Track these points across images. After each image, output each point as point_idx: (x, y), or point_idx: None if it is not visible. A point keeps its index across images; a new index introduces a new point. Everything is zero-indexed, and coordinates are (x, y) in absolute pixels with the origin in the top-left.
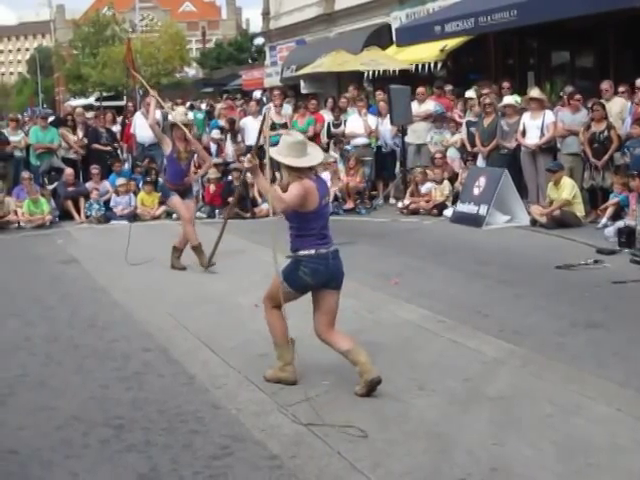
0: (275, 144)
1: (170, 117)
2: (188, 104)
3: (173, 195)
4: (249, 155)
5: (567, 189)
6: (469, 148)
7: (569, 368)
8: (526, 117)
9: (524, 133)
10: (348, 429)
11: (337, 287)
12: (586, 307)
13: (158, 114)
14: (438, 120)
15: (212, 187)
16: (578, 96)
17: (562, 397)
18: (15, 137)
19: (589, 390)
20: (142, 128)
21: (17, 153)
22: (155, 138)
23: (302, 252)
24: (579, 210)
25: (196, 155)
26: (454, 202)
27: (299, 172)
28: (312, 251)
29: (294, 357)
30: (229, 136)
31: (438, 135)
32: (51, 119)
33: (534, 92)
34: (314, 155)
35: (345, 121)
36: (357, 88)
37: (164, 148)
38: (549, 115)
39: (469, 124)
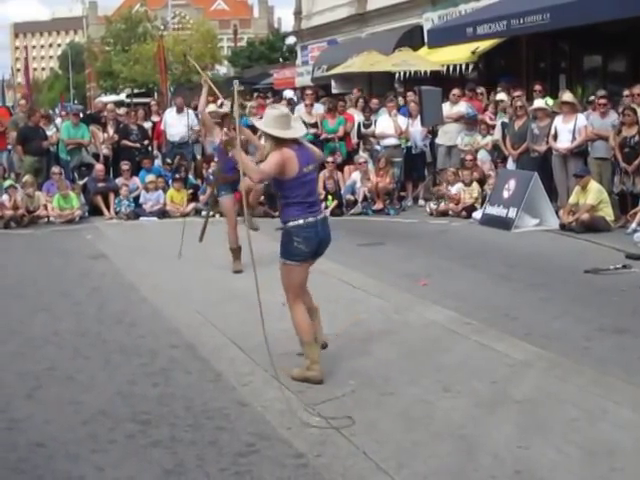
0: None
1: (225, 107)
2: (219, 102)
3: (225, 195)
4: (225, 129)
5: (593, 194)
6: (505, 149)
7: (595, 372)
8: (558, 121)
9: (556, 137)
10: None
11: (321, 254)
12: (613, 312)
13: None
14: (469, 122)
15: None
16: (603, 100)
17: (588, 401)
18: (47, 132)
19: (615, 395)
20: (172, 125)
21: (50, 149)
22: (183, 135)
23: (291, 223)
24: (608, 215)
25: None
26: (483, 204)
27: (283, 143)
28: (300, 221)
29: (319, 354)
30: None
31: (469, 137)
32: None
33: (566, 96)
34: (297, 128)
35: (375, 121)
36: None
37: (214, 139)
38: (581, 119)
39: (504, 125)
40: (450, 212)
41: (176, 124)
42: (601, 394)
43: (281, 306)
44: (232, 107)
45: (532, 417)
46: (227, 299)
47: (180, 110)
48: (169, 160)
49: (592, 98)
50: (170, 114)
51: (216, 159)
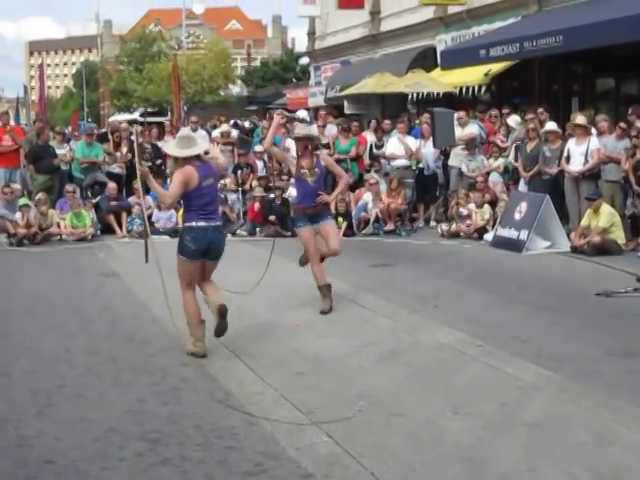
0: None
1: (296, 130)
2: (232, 122)
3: (302, 226)
4: (138, 165)
5: (604, 217)
6: (520, 171)
7: (605, 396)
8: (571, 143)
9: (568, 159)
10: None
11: (216, 258)
12: (624, 335)
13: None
14: (470, 147)
15: (257, 205)
16: (623, 124)
17: (598, 425)
18: (61, 150)
19: (625, 418)
20: None
21: (62, 167)
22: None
23: (186, 224)
24: (620, 237)
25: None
26: (494, 226)
27: (184, 161)
28: (193, 223)
29: (204, 335)
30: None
31: (473, 162)
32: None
33: (579, 119)
34: (198, 146)
35: (386, 141)
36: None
37: (290, 169)
38: (594, 142)
39: (517, 148)
40: (461, 234)
41: None
42: (611, 418)
43: (293, 326)
44: (135, 146)
45: (541, 440)
46: (237, 318)
47: (194, 130)
48: None
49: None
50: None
51: (295, 191)
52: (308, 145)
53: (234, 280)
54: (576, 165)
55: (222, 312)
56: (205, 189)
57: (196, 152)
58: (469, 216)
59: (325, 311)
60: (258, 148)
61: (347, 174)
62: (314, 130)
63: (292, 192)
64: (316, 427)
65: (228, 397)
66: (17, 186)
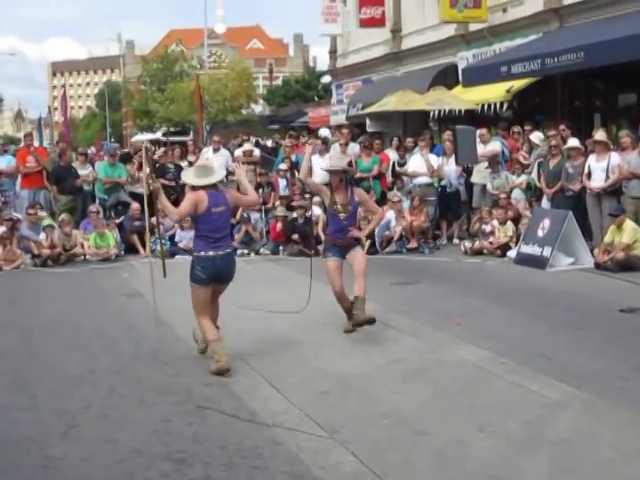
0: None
1: (325, 163)
2: (254, 140)
3: (331, 256)
4: (150, 180)
5: (628, 233)
6: (543, 187)
7: (631, 413)
8: (591, 159)
9: (589, 175)
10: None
11: (226, 282)
12: None
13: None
14: (494, 165)
15: (279, 225)
16: None
17: (623, 442)
18: (83, 171)
19: None
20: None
21: (85, 187)
22: (222, 175)
23: (195, 254)
24: None
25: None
26: (517, 243)
27: (198, 188)
28: (202, 253)
29: (224, 350)
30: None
31: (498, 180)
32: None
33: (599, 135)
34: (216, 176)
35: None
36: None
37: (324, 200)
38: (614, 157)
39: (540, 165)
40: (485, 251)
41: (214, 162)
42: (637, 435)
43: (316, 345)
44: (142, 163)
45: (566, 458)
46: (261, 337)
47: (216, 149)
48: None
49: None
50: (207, 153)
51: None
52: (342, 178)
53: (259, 299)
54: (597, 181)
55: (221, 373)
56: (214, 215)
57: (212, 181)
58: (492, 233)
59: (348, 329)
60: (282, 166)
61: (370, 193)
62: (347, 160)
63: (315, 211)
64: (341, 446)
65: (253, 417)
66: (43, 213)
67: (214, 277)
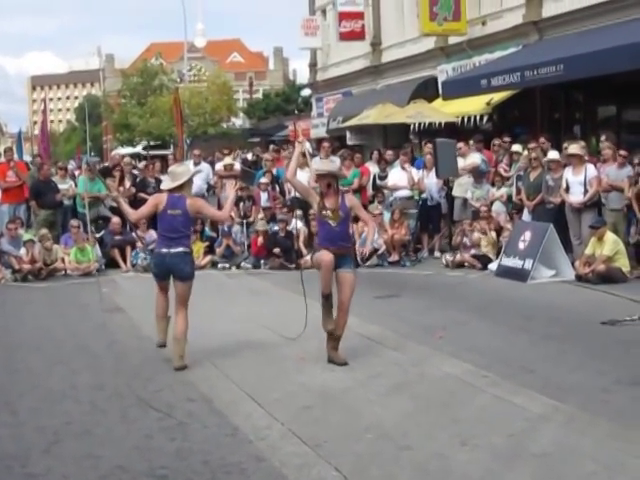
0: None
1: (314, 165)
2: (238, 156)
3: (324, 252)
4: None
5: (609, 245)
6: (522, 200)
7: (613, 425)
8: (568, 173)
9: (567, 189)
10: None
11: (181, 279)
12: (631, 364)
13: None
14: (477, 175)
15: (260, 239)
16: (624, 152)
17: (606, 455)
18: (63, 185)
19: (634, 448)
20: None
21: (65, 201)
22: (201, 188)
23: (154, 250)
24: (624, 265)
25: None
26: (497, 256)
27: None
28: (156, 250)
29: (165, 329)
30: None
31: (479, 190)
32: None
33: (572, 148)
34: (178, 181)
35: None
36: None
37: (312, 204)
38: (591, 170)
39: (519, 178)
40: (466, 264)
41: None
42: (620, 447)
43: (299, 361)
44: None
45: (550, 471)
46: (243, 352)
47: (197, 163)
48: None
49: (600, 144)
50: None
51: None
52: (332, 183)
53: (240, 311)
54: (576, 195)
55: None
56: (169, 216)
57: (173, 185)
58: (474, 246)
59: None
60: (263, 180)
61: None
62: (337, 165)
63: (296, 224)
64: (324, 461)
65: (235, 432)
66: (21, 231)
67: (165, 272)
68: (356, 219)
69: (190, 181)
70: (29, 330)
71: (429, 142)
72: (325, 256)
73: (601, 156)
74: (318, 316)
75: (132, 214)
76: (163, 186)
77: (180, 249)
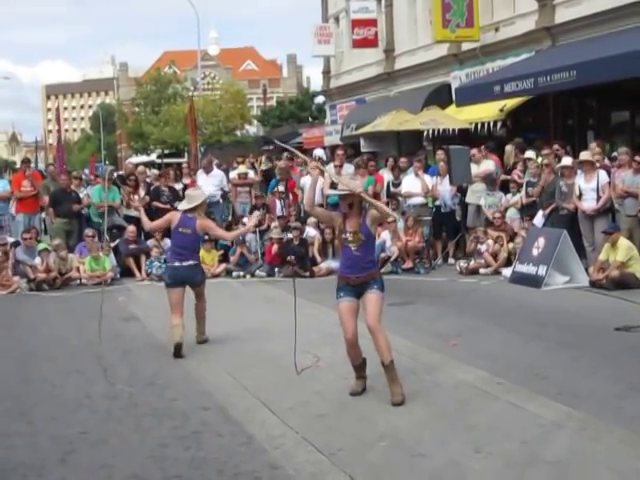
0: (335, 203)
1: (339, 186)
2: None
3: (343, 297)
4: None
5: (622, 251)
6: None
7: (627, 432)
8: (580, 180)
9: (580, 195)
10: None
11: (196, 285)
12: None
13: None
14: (489, 182)
15: (274, 247)
16: (639, 158)
17: (620, 462)
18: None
19: None
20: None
21: (82, 211)
22: (213, 195)
23: (167, 263)
24: (638, 271)
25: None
26: (508, 263)
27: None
28: (169, 263)
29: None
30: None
31: (491, 197)
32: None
33: (583, 154)
34: (191, 204)
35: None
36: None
37: (336, 229)
38: (603, 176)
39: (528, 184)
40: (480, 270)
41: (205, 185)
42: (633, 454)
43: (313, 369)
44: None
45: (563, 478)
46: (258, 360)
47: (208, 171)
48: None
49: (615, 154)
50: (201, 175)
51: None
52: (354, 203)
53: (254, 319)
54: (589, 201)
55: (176, 347)
56: (180, 234)
57: (186, 207)
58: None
59: (356, 392)
60: (279, 188)
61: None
62: (359, 183)
63: (310, 232)
64: (338, 469)
65: (250, 440)
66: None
67: (179, 282)
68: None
69: (203, 204)
70: (44, 339)
71: (442, 149)
72: (342, 306)
73: (615, 162)
74: (333, 324)
75: (147, 224)
76: (180, 207)
77: (191, 262)
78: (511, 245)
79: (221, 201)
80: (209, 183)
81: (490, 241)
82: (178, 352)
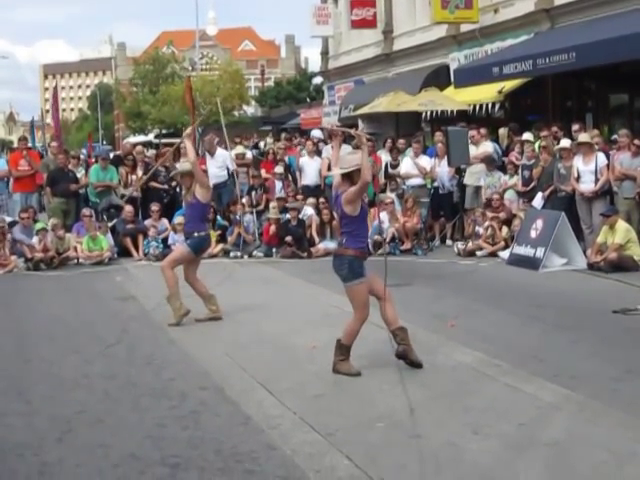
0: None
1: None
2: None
3: (363, 279)
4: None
5: (620, 234)
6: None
7: (625, 414)
8: (578, 162)
9: (578, 178)
10: None
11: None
12: None
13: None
14: (489, 163)
15: (272, 228)
16: (638, 141)
17: (617, 444)
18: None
19: None
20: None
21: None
22: (219, 176)
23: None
24: (636, 254)
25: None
26: (506, 246)
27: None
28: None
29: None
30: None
31: (490, 177)
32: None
33: (582, 136)
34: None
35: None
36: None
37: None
38: (601, 158)
39: (523, 167)
40: (478, 253)
41: (210, 167)
42: (630, 436)
43: (311, 349)
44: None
45: (561, 460)
46: (255, 341)
47: (212, 153)
48: None
49: (615, 137)
50: (207, 156)
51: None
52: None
53: (252, 300)
54: (587, 183)
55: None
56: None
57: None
58: (485, 234)
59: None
60: (277, 169)
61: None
62: (357, 159)
63: (307, 212)
64: (336, 449)
65: (247, 421)
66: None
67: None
68: (370, 205)
69: (188, 172)
70: (42, 319)
71: (440, 130)
72: (365, 288)
73: (614, 144)
74: (331, 305)
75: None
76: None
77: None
78: (505, 231)
79: (229, 182)
80: (213, 165)
81: (489, 229)
82: None
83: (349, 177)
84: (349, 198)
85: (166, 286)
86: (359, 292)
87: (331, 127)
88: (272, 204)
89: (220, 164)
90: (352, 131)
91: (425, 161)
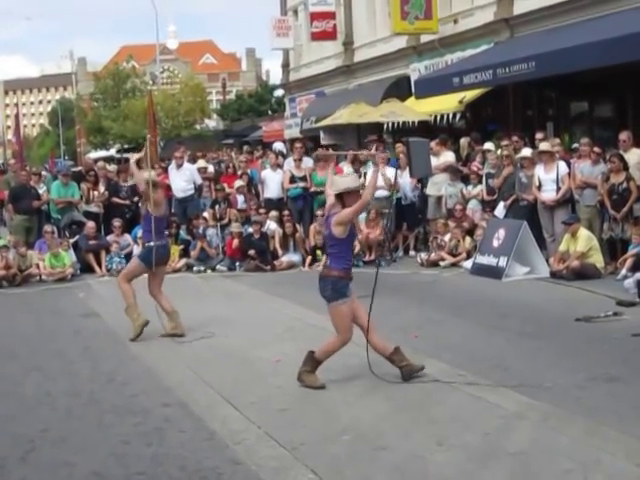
0: (295, 197)
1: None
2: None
3: (347, 298)
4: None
5: (582, 241)
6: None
7: (588, 422)
8: (540, 170)
9: (540, 186)
10: None
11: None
12: (605, 360)
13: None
14: (452, 172)
15: (235, 241)
16: (598, 149)
17: (582, 452)
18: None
19: (609, 445)
20: (173, 181)
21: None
22: (185, 189)
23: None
24: (598, 261)
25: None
26: (468, 256)
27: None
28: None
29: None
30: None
31: (452, 187)
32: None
33: (543, 145)
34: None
35: (365, 174)
36: (378, 140)
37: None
38: (562, 167)
39: (488, 176)
40: (441, 263)
41: (176, 180)
42: (595, 444)
43: (275, 363)
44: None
45: (525, 469)
46: (219, 356)
47: (180, 165)
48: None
49: (576, 145)
50: (172, 171)
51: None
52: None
53: (215, 314)
54: (548, 192)
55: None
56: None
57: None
58: (448, 245)
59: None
60: (237, 183)
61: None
62: (353, 181)
63: (270, 225)
64: (301, 463)
65: (212, 436)
66: None
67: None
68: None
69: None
70: (3, 336)
71: (401, 141)
72: (347, 309)
73: (575, 153)
74: (295, 318)
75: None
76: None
77: (164, 242)
78: (468, 241)
79: (195, 196)
80: (180, 178)
81: (452, 240)
82: None
83: (340, 199)
84: (342, 219)
85: (123, 299)
86: (341, 313)
87: (323, 152)
88: (233, 216)
89: (187, 177)
90: (366, 152)
91: (390, 172)
